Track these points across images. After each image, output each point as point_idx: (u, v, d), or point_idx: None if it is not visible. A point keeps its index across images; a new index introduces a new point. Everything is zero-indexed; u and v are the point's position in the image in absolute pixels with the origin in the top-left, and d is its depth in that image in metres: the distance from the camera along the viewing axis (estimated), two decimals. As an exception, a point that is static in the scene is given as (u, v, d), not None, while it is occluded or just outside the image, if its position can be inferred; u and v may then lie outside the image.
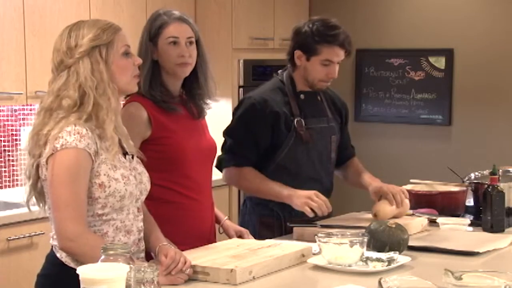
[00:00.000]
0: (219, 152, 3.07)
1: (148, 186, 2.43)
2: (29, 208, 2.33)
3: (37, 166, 2.25)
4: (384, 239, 2.66)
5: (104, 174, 2.24)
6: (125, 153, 2.38)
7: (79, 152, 2.18)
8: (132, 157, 2.40)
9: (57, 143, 2.18)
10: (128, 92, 2.40)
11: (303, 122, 3.16)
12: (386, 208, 3.07)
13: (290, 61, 3.21)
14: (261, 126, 3.13)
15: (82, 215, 2.20)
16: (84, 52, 2.25)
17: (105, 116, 2.24)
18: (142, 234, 2.41)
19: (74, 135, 2.18)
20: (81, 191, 2.20)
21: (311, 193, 3.00)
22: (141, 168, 2.42)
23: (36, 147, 2.25)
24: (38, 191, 2.30)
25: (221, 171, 3.23)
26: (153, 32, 2.75)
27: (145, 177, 2.42)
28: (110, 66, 2.27)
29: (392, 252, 2.55)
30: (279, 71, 3.30)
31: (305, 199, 2.98)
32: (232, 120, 3.22)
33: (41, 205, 2.32)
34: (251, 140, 3.14)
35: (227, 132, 3.21)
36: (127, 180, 2.29)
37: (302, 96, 3.21)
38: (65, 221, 2.18)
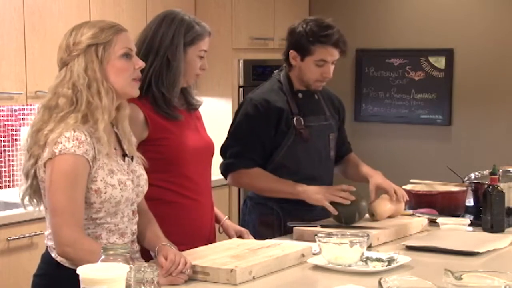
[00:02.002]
0: (220, 157, 3.07)
1: (146, 189, 2.43)
2: (24, 206, 2.34)
3: (36, 167, 2.25)
4: (353, 208, 2.97)
5: (101, 180, 2.24)
6: (124, 155, 2.38)
7: (77, 158, 2.19)
8: (132, 159, 2.40)
9: (55, 148, 2.18)
10: (126, 95, 2.33)
11: (302, 121, 3.16)
12: (382, 208, 3.08)
13: (286, 61, 3.22)
14: (266, 127, 3.13)
15: (78, 220, 2.20)
16: (81, 50, 2.25)
17: (98, 115, 2.23)
18: (135, 236, 2.41)
19: (73, 141, 2.18)
20: (78, 197, 2.20)
21: (331, 187, 3.06)
22: (140, 171, 2.41)
23: (36, 147, 2.24)
24: (33, 190, 2.30)
25: (226, 176, 3.21)
26: (188, 40, 2.73)
27: (143, 179, 2.42)
28: (105, 66, 2.26)
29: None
30: (275, 71, 3.30)
31: (326, 193, 3.02)
32: (234, 124, 3.20)
33: (34, 201, 2.32)
34: (257, 142, 3.13)
35: (231, 137, 3.19)
36: (123, 186, 2.29)
37: (300, 95, 3.21)
38: (61, 226, 2.19)
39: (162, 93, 2.71)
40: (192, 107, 2.87)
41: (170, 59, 2.71)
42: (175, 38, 2.73)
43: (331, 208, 2.99)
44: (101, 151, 2.25)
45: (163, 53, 2.71)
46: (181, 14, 2.79)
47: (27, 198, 2.31)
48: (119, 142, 2.40)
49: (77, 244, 2.18)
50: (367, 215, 3.11)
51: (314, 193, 3.04)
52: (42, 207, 2.32)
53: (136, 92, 2.36)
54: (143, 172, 2.43)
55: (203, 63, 2.79)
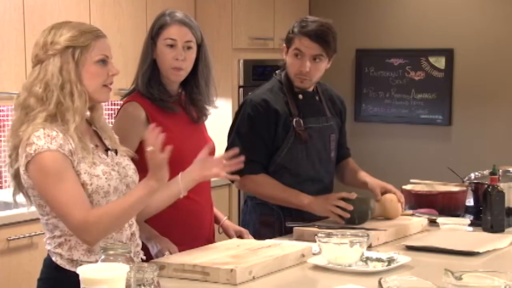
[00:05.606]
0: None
1: (136, 179, 2.42)
2: (15, 201, 2.34)
3: (18, 173, 2.26)
4: (365, 207, 2.96)
5: (85, 173, 2.24)
6: (107, 149, 2.38)
7: (52, 153, 2.18)
8: (116, 153, 2.40)
9: (29, 149, 2.18)
10: (96, 100, 2.34)
11: (301, 122, 3.15)
12: (396, 206, 3.09)
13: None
14: (267, 127, 3.11)
15: (82, 203, 2.19)
16: (57, 51, 2.25)
17: (69, 116, 2.23)
18: (134, 228, 2.40)
19: (44, 138, 2.18)
20: (72, 185, 2.18)
21: (331, 197, 3.02)
22: (125, 162, 2.41)
23: (13, 151, 2.25)
24: (23, 191, 2.31)
25: (232, 181, 3.21)
26: (154, 31, 2.77)
27: (131, 170, 2.41)
28: (80, 69, 2.26)
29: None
30: (277, 71, 3.29)
31: (327, 206, 3.00)
32: (235, 126, 3.17)
33: (28, 202, 2.33)
34: (260, 144, 3.11)
35: (233, 140, 3.14)
36: (108, 175, 2.28)
37: (300, 96, 3.21)
38: (69, 216, 2.17)
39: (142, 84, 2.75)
40: (194, 119, 2.86)
41: (144, 55, 2.78)
42: (149, 32, 2.79)
43: (337, 219, 2.98)
44: (78, 146, 2.24)
45: (143, 48, 2.79)
46: (169, 10, 2.81)
47: (20, 195, 2.32)
48: (100, 138, 2.40)
49: (90, 219, 2.16)
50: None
51: (316, 206, 3.03)
52: (34, 207, 2.33)
53: (105, 98, 2.36)
54: (130, 162, 2.43)
55: (176, 53, 2.73)
